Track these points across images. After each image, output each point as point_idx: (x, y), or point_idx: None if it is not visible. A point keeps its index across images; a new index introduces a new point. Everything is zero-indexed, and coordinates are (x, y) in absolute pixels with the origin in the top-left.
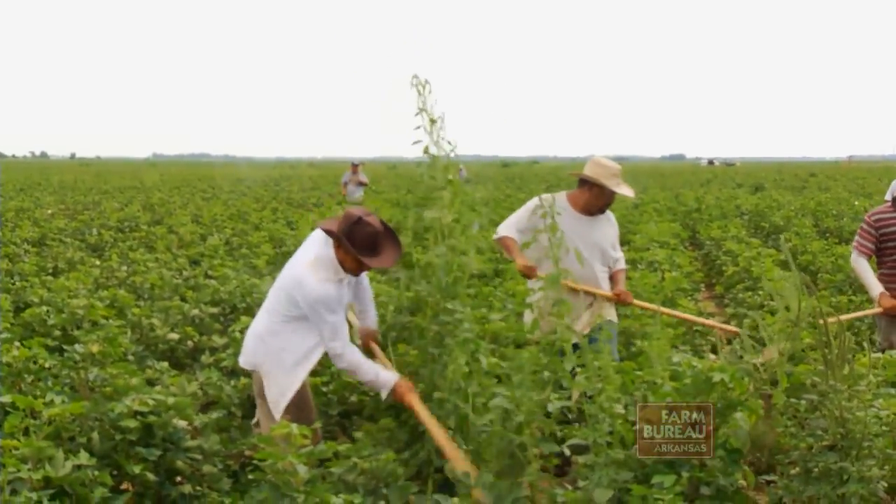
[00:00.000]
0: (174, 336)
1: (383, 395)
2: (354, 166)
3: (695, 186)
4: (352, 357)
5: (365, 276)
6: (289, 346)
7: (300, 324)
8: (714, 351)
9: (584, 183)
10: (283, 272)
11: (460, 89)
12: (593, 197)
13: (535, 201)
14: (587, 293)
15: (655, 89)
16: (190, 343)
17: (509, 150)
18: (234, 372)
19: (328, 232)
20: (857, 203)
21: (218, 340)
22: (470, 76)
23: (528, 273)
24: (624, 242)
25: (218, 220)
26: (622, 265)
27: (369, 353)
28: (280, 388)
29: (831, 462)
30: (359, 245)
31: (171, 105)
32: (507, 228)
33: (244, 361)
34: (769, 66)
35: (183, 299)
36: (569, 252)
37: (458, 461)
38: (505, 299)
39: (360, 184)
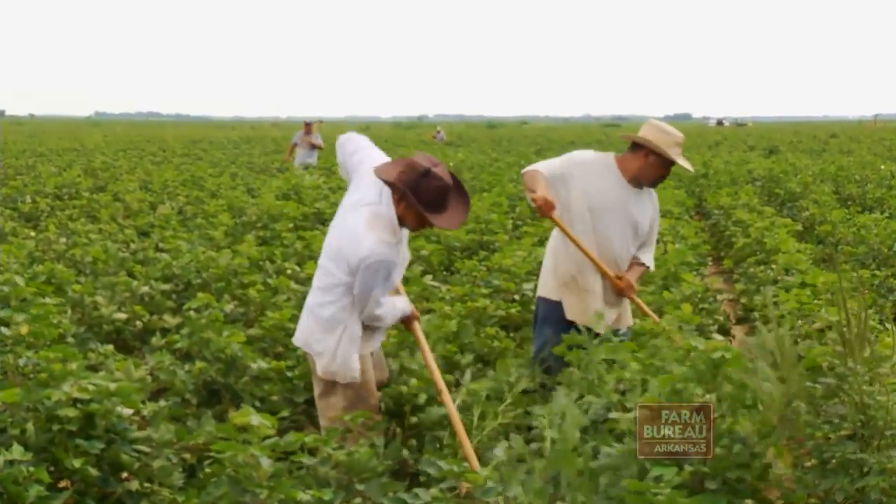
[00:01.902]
0: (121, 316)
1: (396, 319)
2: (308, 125)
3: (702, 149)
4: (388, 313)
5: (406, 241)
6: (343, 319)
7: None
8: (721, 331)
9: (640, 148)
10: (330, 234)
11: (443, 42)
12: (649, 166)
13: (580, 154)
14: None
15: (657, 41)
16: (138, 323)
17: (496, 109)
18: (189, 355)
19: (390, 184)
20: (883, 167)
21: (170, 320)
22: (454, 27)
23: (544, 207)
24: None
25: (170, 187)
26: (648, 261)
27: None
28: (335, 364)
29: (850, 452)
30: (425, 200)
31: (116, 58)
32: (540, 166)
33: (296, 339)
34: (785, 14)
35: (130, 275)
36: (602, 220)
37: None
38: (490, 275)
39: (314, 146)
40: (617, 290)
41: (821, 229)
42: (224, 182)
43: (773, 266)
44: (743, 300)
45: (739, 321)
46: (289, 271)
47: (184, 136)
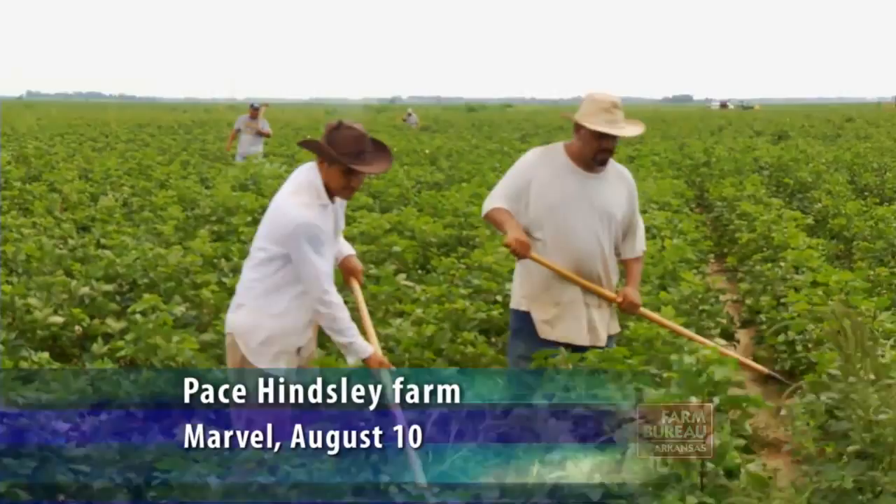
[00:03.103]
0: (57, 320)
1: (350, 360)
2: (255, 110)
3: (703, 135)
4: (338, 307)
5: (342, 206)
6: (276, 287)
7: (281, 264)
8: (724, 335)
9: (577, 128)
10: (263, 218)
11: (419, 16)
12: (583, 142)
13: (525, 158)
14: (589, 288)
15: (655, 15)
16: (78, 328)
17: (476, 91)
18: (134, 363)
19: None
20: None
21: (113, 325)
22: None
23: (520, 250)
24: None
25: (113, 176)
26: (640, 249)
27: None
28: (266, 338)
29: (859, 472)
30: (343, 150)
31: (50, 31)
32: (495, 198)
33: (228, 324)
34: None
35: (69, 274)
36: (564, 217)
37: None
38: (469, 274)
39: (260, 134)
40: (622, 309)
41: (834, 223)
42: (174, 171)
43: (782, 263)
44: (748, 301)
45: (744, 324)
46: None
47: (129, 119)
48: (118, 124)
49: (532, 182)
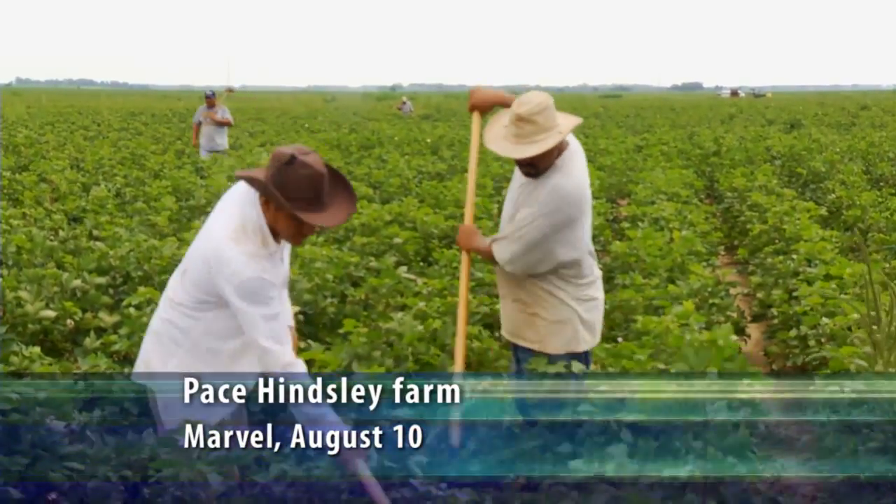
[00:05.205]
0: (49, 313)
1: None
2: (210, 98)
3: (713, 123)
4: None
5: (287, 248)
6: (205, 341)
7: (221, 311)
8: (735, 330)
9: None
10: (193, 246)
11: (418, 1)
12: None
13: None
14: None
15: (664, 2)
16: (70, 322)
17: (480, 78)
18: (128, 358)
19: (251, 181)
20: None
21: (106, 319)
22: None
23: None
24: (624, 195)
25: (105, 166)
26: (496, 242)
27: None
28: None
29: (881, 468)
30: (295, 195)
31: (41, 16)
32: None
33: (136, 375)
34: None
35: (60, 266)
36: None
37: None
38: (472, 266)
39: (221, 124)
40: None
41: (848, 214)
42: (168, 160)
43: (794, 256)
44: (759, 295)
45: (755, 318)
46: None
47: (121, 107)
48: (110, 112)
49: None
